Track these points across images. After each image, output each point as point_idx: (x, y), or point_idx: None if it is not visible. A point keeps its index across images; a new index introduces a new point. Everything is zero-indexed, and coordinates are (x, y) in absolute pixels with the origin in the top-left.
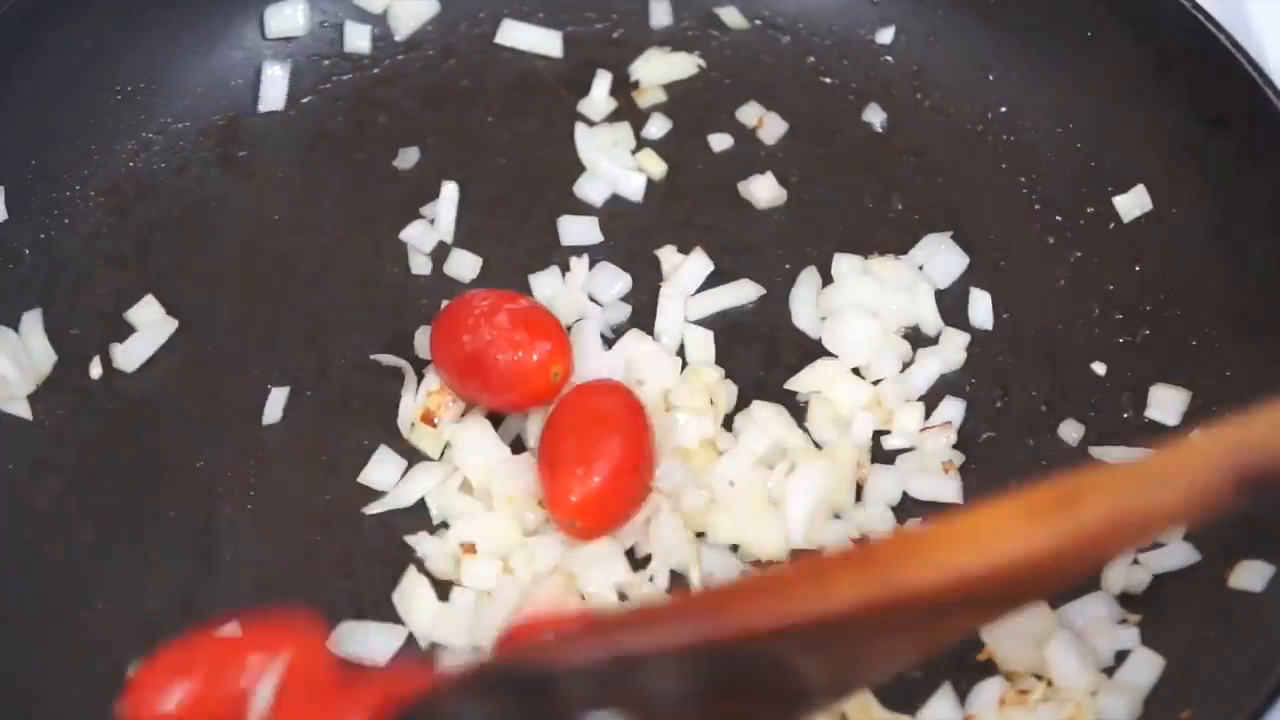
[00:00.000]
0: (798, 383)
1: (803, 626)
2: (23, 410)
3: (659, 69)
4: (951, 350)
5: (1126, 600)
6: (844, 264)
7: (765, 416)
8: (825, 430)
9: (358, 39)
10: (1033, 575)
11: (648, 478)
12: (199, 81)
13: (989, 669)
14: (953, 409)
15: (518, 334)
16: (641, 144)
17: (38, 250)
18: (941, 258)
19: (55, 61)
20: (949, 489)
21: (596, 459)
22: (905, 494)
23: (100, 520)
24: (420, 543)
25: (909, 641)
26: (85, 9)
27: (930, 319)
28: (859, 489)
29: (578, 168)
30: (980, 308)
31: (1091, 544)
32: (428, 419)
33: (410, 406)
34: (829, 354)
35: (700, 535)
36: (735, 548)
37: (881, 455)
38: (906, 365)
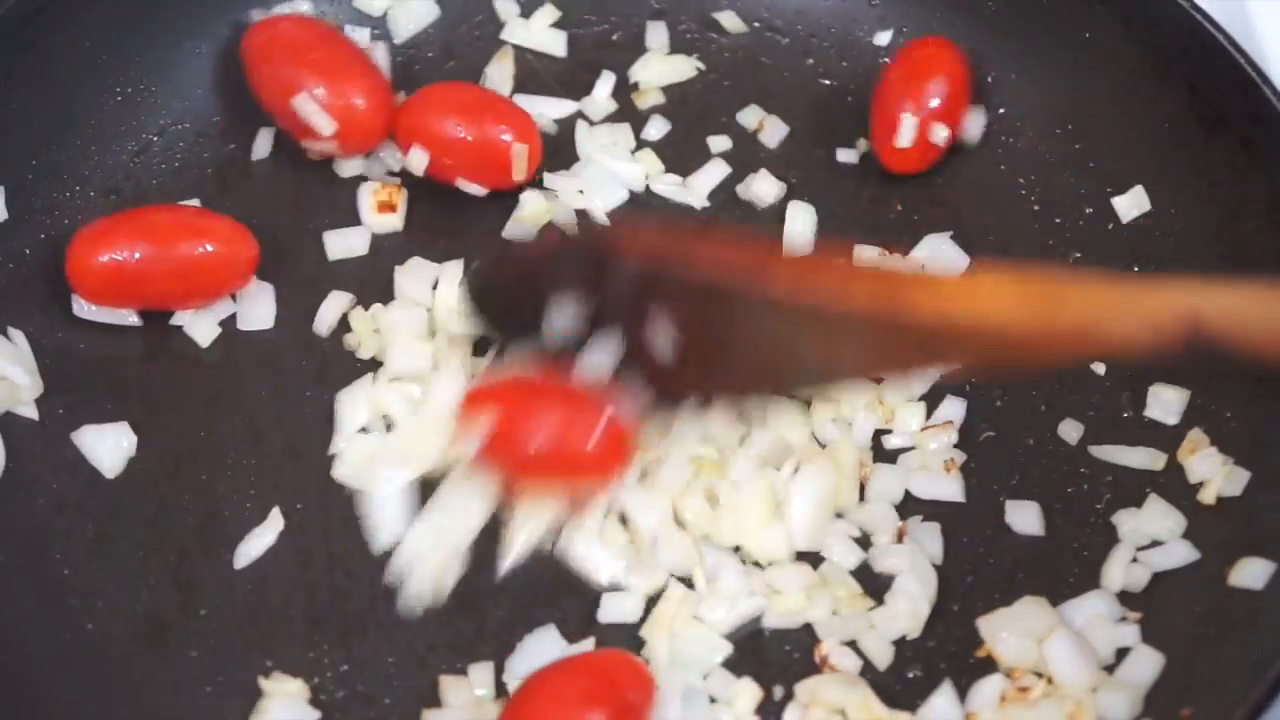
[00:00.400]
0: None
1: (817, 310)
2: (30, 412)
3: (658, 71)
4: None
5: (1126, 598)
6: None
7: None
8: (827, 429)
9: (358, 41)
10: (1002, 342)
11: None
12: (199, 82)
13: (989, 666)
14: (953, 408)
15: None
16: (641, 145)
17: (38, 250)
18: (941, 258)
19: (55, 62)
20: (951, 488)
21: None
22: (907, 493)
23: (100, 520)
24: None
25: (890, 355)
26: (85, 10)
27: None
28: (861, 488)
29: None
30: None
31: (1055, 339)
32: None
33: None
34: None
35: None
36: (737, 549)
37: (882, 455)
38: None
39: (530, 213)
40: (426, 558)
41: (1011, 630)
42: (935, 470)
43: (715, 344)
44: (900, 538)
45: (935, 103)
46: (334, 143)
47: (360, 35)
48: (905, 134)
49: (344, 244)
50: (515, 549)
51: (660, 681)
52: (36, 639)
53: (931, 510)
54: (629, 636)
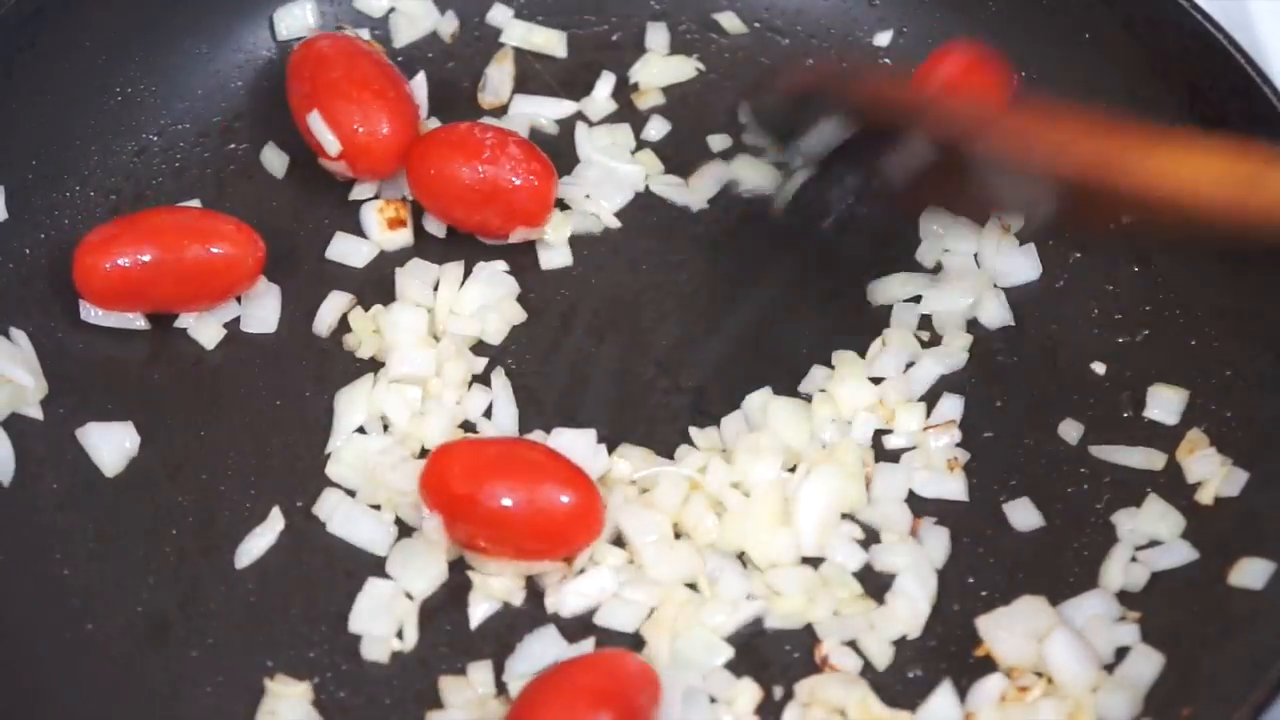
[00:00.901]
0: (809, 383)
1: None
2: (35, 413)
3: (658, 72)
4: (954, 350)
5: (1125, 598)
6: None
7: (782, 415)
8: (828, 430)
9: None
10: (1203, 213)
11: None
12: (199, 83)
13: (989, 666)
14: (953, 407)
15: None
16: (641, 145)
17: (38, 250)
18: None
19: (55, 62)
20: (955, 487)
21: None
22: (910, 492)
23: (100, 520)
24: None
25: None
26: (85, 10)
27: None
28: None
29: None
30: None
31: (1252, 217)
32: (395, 223)
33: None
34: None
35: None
36: (741, 555)
37: (883, 455)
38: (910, 365)
39: (553, 228)
40: (382, 616)
41: (1011, 630)
42: (938, 469)
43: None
44: (915, 532)
45: None
46: (343, 164)
47: (359, 35)
48: None
49: (346, 248)
50: (483, 607)
51: (662, 681)
52: (36, 639)
53: (932, 509)
54: (629, 636)
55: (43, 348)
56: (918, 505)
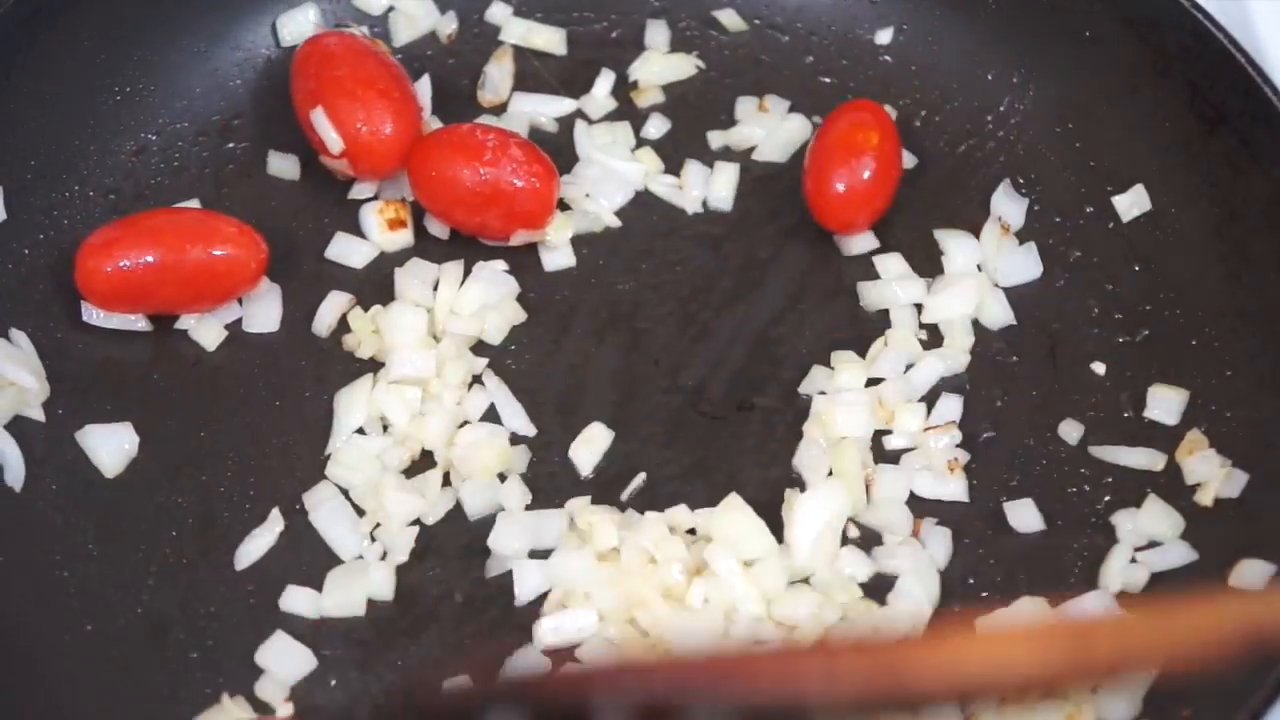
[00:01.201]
0: (809, 384)
1: (811, 702)
2: (37, 414)
3: (658, 70)
4: (956, 352)
5: (1125, 598)
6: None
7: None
8: (829, 429)
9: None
10: (1032, 687)
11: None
12: (198, 82)
13: None
14: (953, 407)
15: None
16: (641, 143)
17: (37, 251)
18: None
19: (55, 61)
20: (955, 488)
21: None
22: (911, 494)
23: (100, 520)
24: None
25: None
26: (84, 10)
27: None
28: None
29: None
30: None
31: (1095, 671)
32: (395, 224)
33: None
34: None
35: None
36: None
37: (882, 456)
38: (910, 366)
39: (554, 229)
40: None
41: None
42: (939, 470)
43: None
44: (916, 534)
45: (867, 174)
46: (344, 162)
47: (364, 33)
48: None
49: (345, 248)
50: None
51: None
52: (36, 639)
53: (933, 509)
54: None
55: (42, 349)
56: (917, 507)
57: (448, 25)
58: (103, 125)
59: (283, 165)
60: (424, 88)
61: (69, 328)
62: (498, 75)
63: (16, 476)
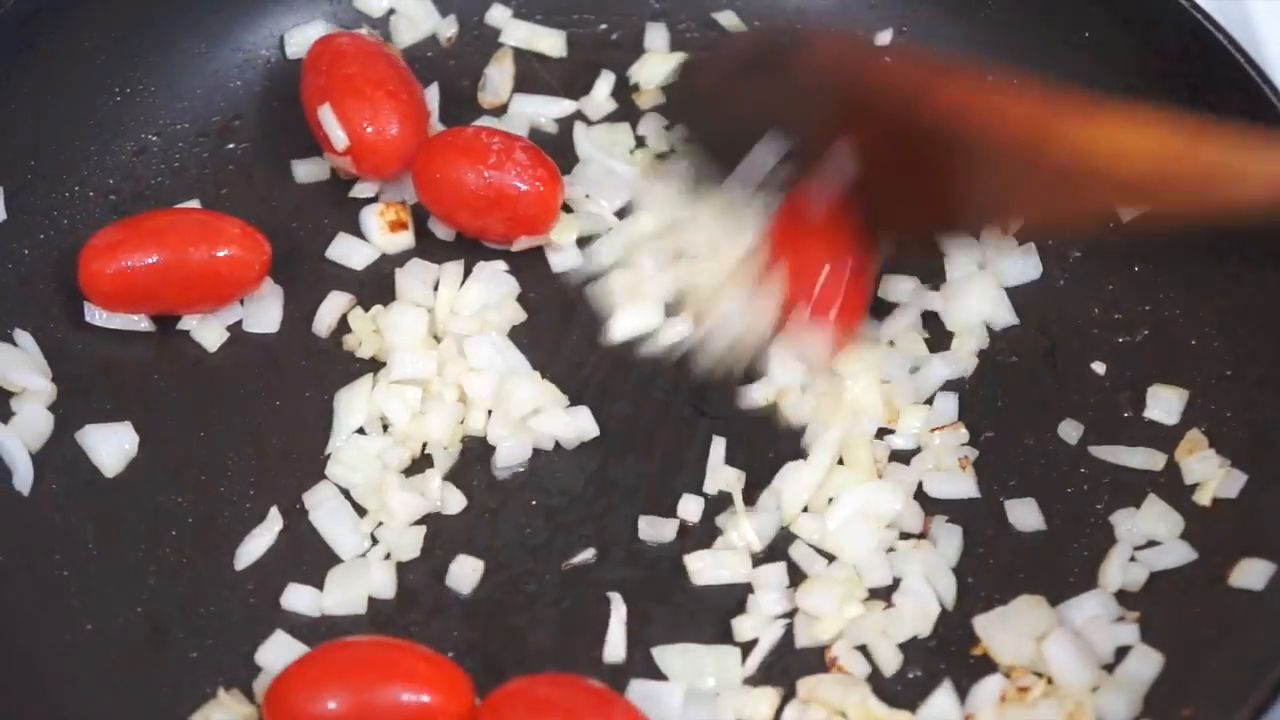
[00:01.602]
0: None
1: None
2: (42, 415)
3: (658, 71)
4: (963, 356)
5: (1125, 598)
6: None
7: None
8: (832, 430)
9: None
10: (1141, 181)
11: None
12: (198, 83)
13: (989, 666)
14: (953, 407)
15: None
16: (640, 144)
17: (37, 251)
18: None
19: (55, 62)
20: (966, 486)
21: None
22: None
23: (100, 520)
24: None
25: (1039, 189)
26: (84, 10)
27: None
28: None
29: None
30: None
31: (1189, 184)
32: (396, 226)
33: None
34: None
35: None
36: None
37: (887, 455)
38: (915, 368)
39: (559, 231)
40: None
41: (1009, 629)
42: (950, 469)
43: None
44: (926, 532)
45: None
46: (348, 160)
47: (376, 35)
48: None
49: (346, 248)
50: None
51: (669, 678)
52: (36, 639)
53: (939, 509)
54: None
55: (43, 349)
56: (927, 506)
57: (448, 28)
58: (103, 125)
59: (303, 169)
60: (433, 94)
61: (69, 328)
62: (498, 77)
63: (25, 481)
